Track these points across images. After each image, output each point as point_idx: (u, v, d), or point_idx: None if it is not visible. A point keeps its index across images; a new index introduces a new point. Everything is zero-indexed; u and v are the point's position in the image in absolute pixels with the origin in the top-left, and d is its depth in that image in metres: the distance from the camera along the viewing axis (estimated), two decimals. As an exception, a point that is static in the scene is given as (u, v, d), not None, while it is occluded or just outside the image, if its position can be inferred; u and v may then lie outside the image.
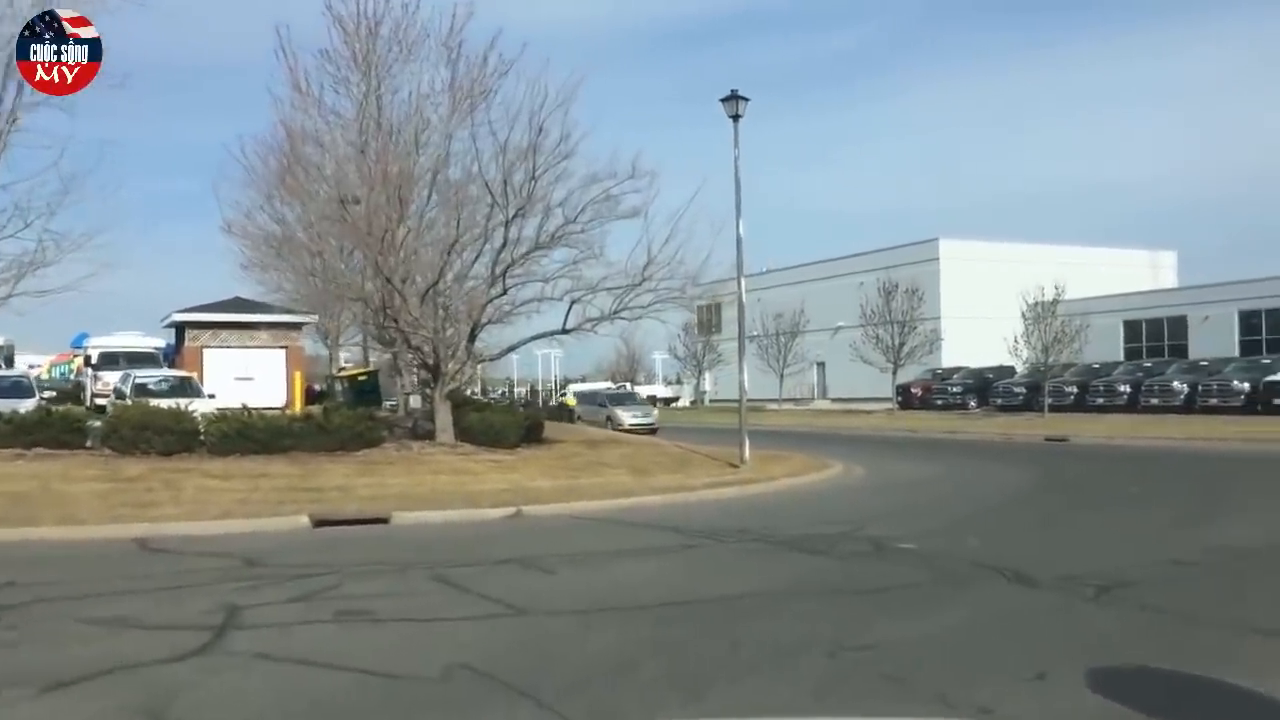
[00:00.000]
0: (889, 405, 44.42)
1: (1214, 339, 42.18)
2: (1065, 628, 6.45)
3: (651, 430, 32.70)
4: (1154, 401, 35.16)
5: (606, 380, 65.79)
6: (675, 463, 19.26)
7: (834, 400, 53.62)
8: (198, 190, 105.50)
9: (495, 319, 20.38)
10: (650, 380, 72.79)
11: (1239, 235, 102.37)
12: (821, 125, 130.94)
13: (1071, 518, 12.70)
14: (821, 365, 56.31)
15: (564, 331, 20.45)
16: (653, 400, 49.60)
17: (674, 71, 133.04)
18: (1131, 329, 46.97)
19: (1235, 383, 33.65)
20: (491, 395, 76.49)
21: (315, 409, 21.58)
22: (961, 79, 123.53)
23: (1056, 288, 37.02)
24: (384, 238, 18.20)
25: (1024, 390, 39.57)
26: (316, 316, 30.65)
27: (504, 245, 19.10)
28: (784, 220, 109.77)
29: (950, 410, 41.75)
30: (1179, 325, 45.32)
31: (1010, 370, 41.49)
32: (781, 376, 51.92)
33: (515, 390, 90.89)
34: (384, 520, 12.30)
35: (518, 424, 20.68)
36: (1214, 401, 33.33)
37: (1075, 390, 38.12)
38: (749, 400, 20.54)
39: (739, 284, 19.72)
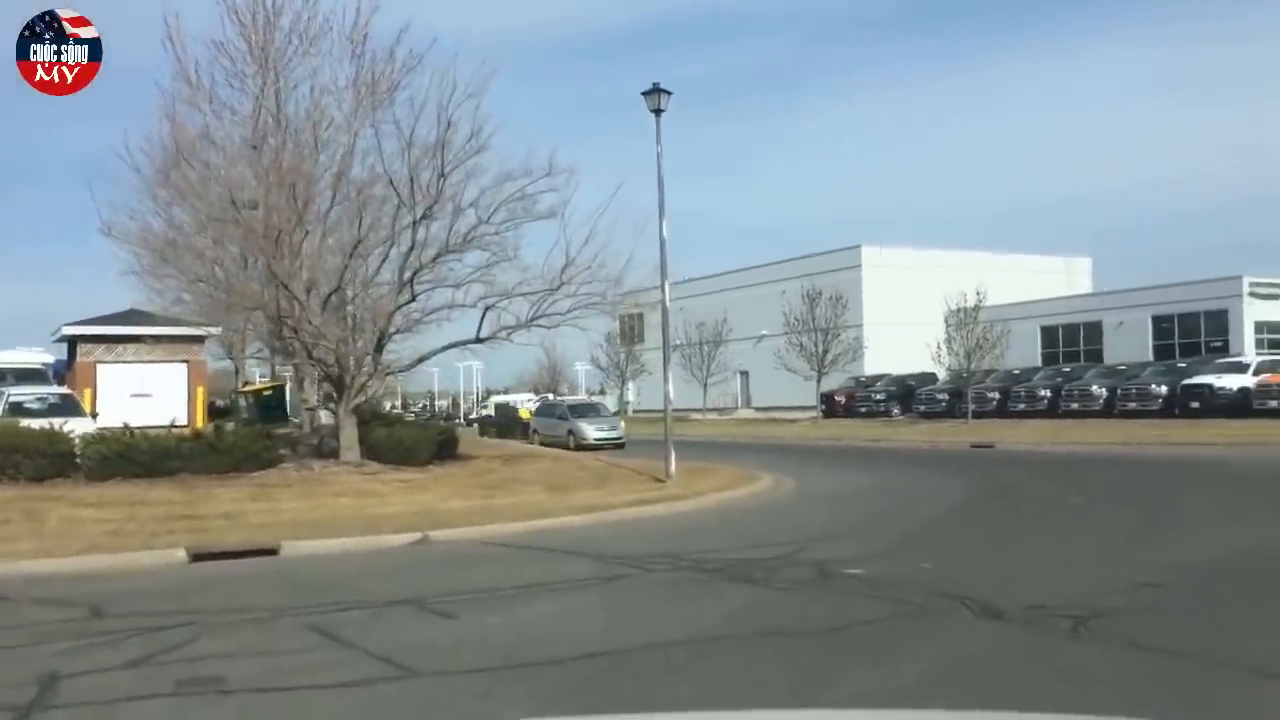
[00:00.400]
0: (813, 413, 44.00)
1: (1128, 343, 42.74)
2: (1049, 674, 5.54)
3: (619, 445, 30.37)
4: (1074, 406, 35.32)
5: (529, 392, 64.28)
6: (596, 478, 18.21)
7: (758, 409, 53.12)
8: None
9: (404, 328, 19.11)
10: (573, 391, 71.48)
11: (1151, 240, 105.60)
12: (736, 136, 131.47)
13: (1019, 531, 11.99)
14: (745, 374, 55.81)
15: (478, 340, 19.28)
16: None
17: (587, 82, 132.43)
18: (1049, 334, 47.41)
19: (1153, 386, 33.95)
20: (412, 409, 74.41)
21: (207, 427, 19.97)
22: (871, 90, 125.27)
23: (978, 294, 36.99)
24: (278, 239, 16.84)
25: (947, 397, 39.46)
26: (219, 328, 28.71)
27: (412, 248, 17.94)
28: (702, 233, 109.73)
29: (874, 418, 41.46)
30: (1094, 330, 45.87)
31: (933, 377, 41.40)
32: (705, 386, 51.20)
33: (436, 403, 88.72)
34: (272, 551, 11.01)
35: (429, 440, 19.44)
36: (1133, 405, 33.61)
37: (997, 396, 38.15)
38: (673, 410, 19.59)
39: (663, 287, 18.74)
